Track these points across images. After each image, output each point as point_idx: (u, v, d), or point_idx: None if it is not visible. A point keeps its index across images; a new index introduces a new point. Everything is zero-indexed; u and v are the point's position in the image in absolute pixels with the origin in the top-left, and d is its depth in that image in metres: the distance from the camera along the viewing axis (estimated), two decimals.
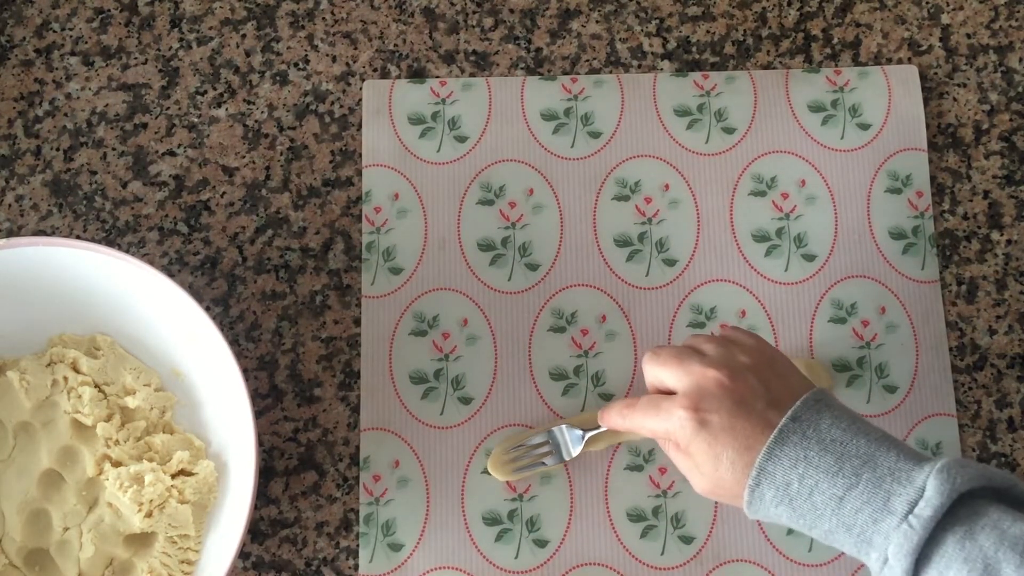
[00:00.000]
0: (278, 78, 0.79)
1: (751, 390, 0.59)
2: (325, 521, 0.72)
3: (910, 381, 0.73)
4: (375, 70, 0.79)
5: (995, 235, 0.76)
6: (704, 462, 0.59)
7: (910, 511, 0.53)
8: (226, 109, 0.78)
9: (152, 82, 0.79)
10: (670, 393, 0.61)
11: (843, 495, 0.54)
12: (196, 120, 0.78)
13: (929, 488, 0.53)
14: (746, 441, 0.57)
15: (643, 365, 0.63)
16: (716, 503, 0.71)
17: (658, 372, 0.62)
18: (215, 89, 0.79)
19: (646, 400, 0.62)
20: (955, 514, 0.53)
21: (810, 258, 0.75)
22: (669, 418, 0.60)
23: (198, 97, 0.79)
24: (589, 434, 0.70)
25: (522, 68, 0.79)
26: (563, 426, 0.71)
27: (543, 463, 0.70)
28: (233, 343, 0.73)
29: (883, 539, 0.53)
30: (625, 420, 0.64)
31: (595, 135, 0.77)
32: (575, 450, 0.70)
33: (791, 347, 0.74)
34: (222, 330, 0.65)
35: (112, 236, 0.76)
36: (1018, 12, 0.80)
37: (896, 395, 0.73)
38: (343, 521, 0.72)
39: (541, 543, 0.70)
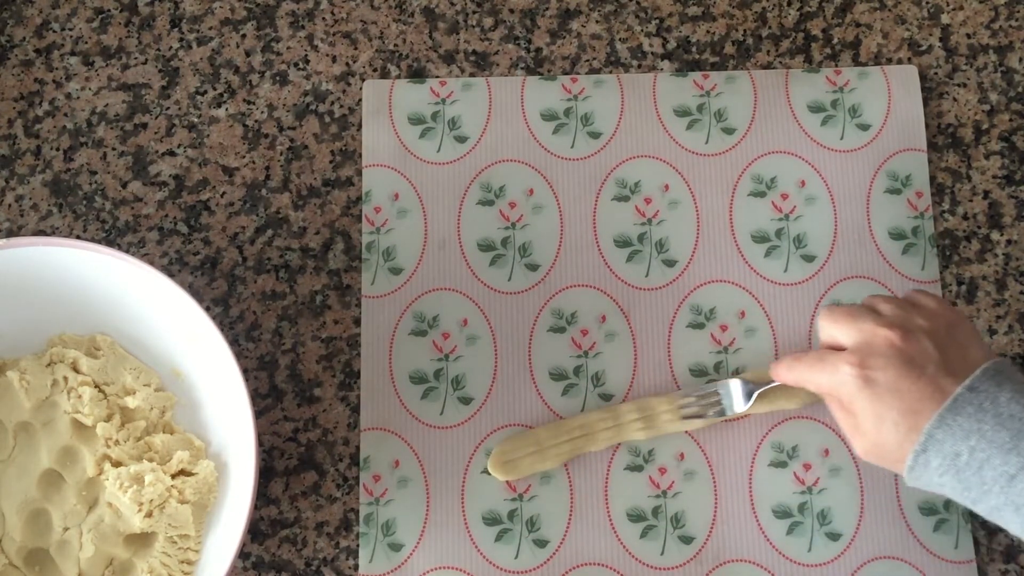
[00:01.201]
0: (278, 78, 0.79)
1: (923, 353, 0.57)
2: (325, 521, 0.72)
3: None
4: (375, 70, 0.79)
5: (995, 235, 0.76)
6: (866, 421, 0.58)
7: None
8: (226, 109, 0.79)
9: (152, 82, 0.79)
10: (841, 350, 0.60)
11: (1015, 473, 0.53)
12: (196, 120, 0.78)
13: None
14: (913, 404, 0.56)
15: (818, 322, 0.62)
16: (716, 503, 0.71)
17: (831, 329, 0.61)
18: (215, 89, 0.79)
19: (813, 353, 0.61)
20: None
21: (810, 259, 0.75)
22: (834, 372, 0.59)
23: (198, 97, 0.79)
24: (759, 390, 0.69)
25: (522, 68, 0.79)
26: (737, 380, 0.71)
27: (709, 415, 0.70)
28: (233, 343, 0.73)
29: None
30: (791, 373, 0.63)
31: (595, 135, 0.77)
32: (742, 407, 0.70)
33: (791, 347, 0.74)
34: (222, 330, 0.65)
35: (112, 236, 0.76)
36: (1018, 12, 0.80)
37: None
38: (343, 521, 0.72)
39: (541, 543, 0.70)
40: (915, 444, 0.56)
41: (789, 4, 0.80)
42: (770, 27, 0.80)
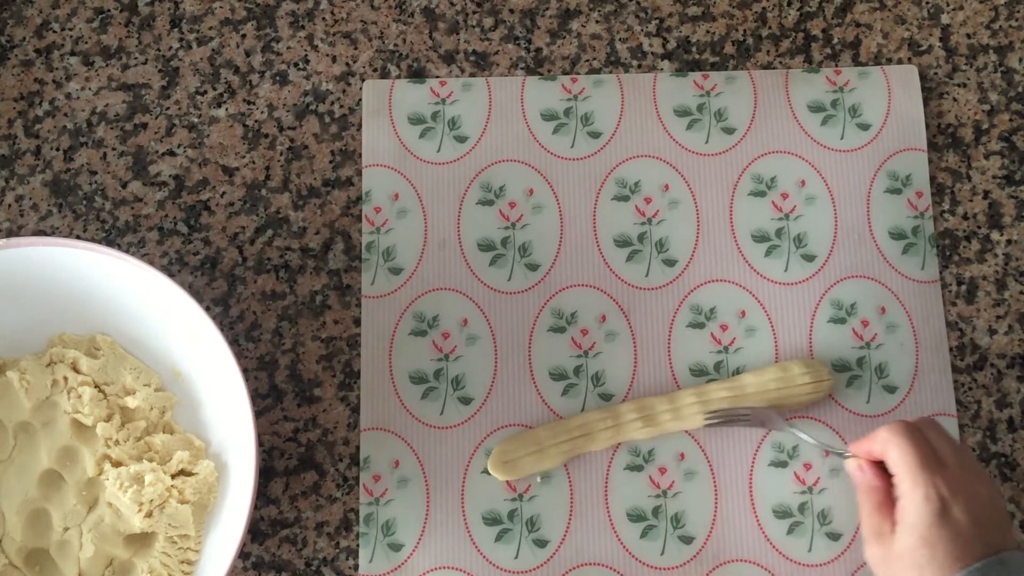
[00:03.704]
0: (278, 78, 0.79)
1: (977, 517, 0.60)
2: (325, 521, 0.72)
3: (910, 381, 0.73)
4: (375, 70, 0.79)
5: (995, 235, 0.76)
6: (910, 545, 0.59)
7: None
8: (226, 109, 0.78)
9: (152, 82, 0.79)
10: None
11: None
12: (196, 120, 0.78)
13: None
14: (964, 554, 0.58)
15: (889, 435, 0.62)
16: (716, 503, 0.71)
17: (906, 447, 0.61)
18: (215, 89, 0.79)
19: (920, 450, 0.61)
20: None
21: (810, 258, 0.75)
22: (919, 482, 0.60)
23: (198, 97, 0.79)
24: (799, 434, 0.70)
25: (522, 68, 0.79)
26: (773, 411, 0.71)
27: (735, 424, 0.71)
28: (233, 343, 0.73)
29: None
30: (886, 445, 0.62)
31: (595, 135, 0.77)
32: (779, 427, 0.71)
33: (791, 347, 0.74)
34: (222, 330, 0.65)
35: (112, 236, 0.76)
36: (1018, 12, 0.80)
37: (896, 395, 0.73)
38: (343, 521, 0.72)
39: (541, 543, 0.70)
40: None
41: (789, 4, 0.80)
42: (770, 27, 0.80)
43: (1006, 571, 0.57)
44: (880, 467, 0.63)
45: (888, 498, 0.62)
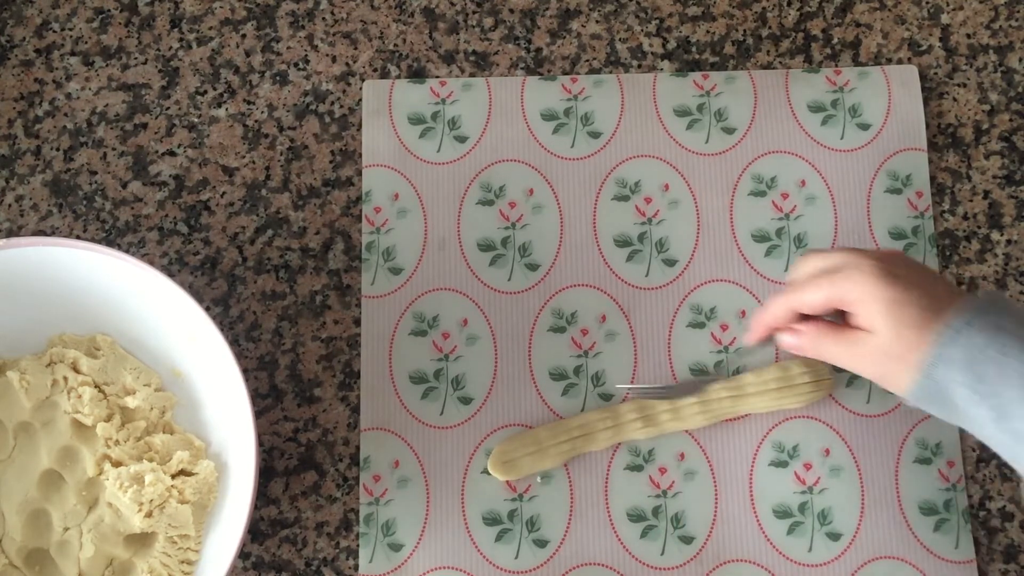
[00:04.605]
0: (278, 78, 0.79)
1: (928, 272, 0.60)
2: (325, 521, 0.72)
3: None
4: (375, 70, 0.79)
5: (995, 235, 0.76)
6: (882, 316, 0.57)
7: None
8: (226, 109, 0.78)
9: (152, 82, 0.79)
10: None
11: None
12: (196, 120, 0.78)
13: None
14: (934, 301, 0.56)
15: (797, 266, 0.63)
16: (716, 503, 0.71)
17: (818, 260, 0.61)
18: (215, 89, 0.79)
19: (822, 275, 0.61)
20: None
21: None
22: (845, 273, 0.58)
23: (198, 97, 0.79)
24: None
25: (522, 68, 0.79)
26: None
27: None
28: (233, 343, 0.73)
29: None
30: (786, 296, 0.62)
31: (595, 135, 0.77)
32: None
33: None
34: (222, 330, 0.65)
35: (112, 236, 0.76)
36: (1018, 12, 0.80)
37: (896, 395, 0.73)
38: (343, 521, 0.72)
39: (541, 543, 0.70)
40: (939, 336, 0.55)
41: (789, 4, 0.80)
42: (770, 27, 0.80)
43: (992, 300, 0.57)
44: (804, 317, 0.63)
45: (836, 327, 0.61)
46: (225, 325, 0.75)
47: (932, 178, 0.77)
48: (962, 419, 0.57)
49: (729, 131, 0.77)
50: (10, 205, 0.77)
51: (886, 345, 0.58)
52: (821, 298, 0.60)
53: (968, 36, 0.80)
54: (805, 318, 0.63)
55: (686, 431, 0.72)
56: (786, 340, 0.64)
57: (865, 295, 0.58)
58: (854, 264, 0.59)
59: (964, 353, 0.55)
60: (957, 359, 0.55)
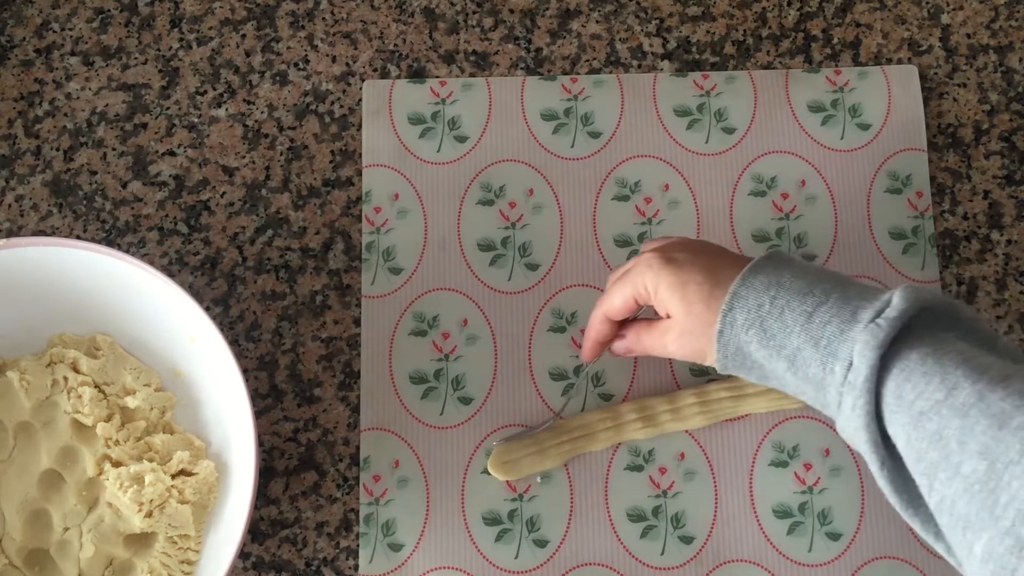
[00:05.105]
0: (278, 78, 0.79)
1: (713, 246, 0.64)
2: (325, 521, 0.72)
3: None
4: (375, 70, 0.79)
5: (995, 235, 0.76)
6: (672, 299, 0.60)
7: (876, 318, 0.54)
8: (226, 109, 0.78)
9: (152, 82, 0.79)
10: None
11: (812, 311, 0.56)
12: (196, 120, 0.78)
13: (895, 298, 0.54)
14: (714, 273, 0.60)
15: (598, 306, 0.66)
16: (716, 503, 0.71)
17: (619, 290, 0.64)
18: (215, 89, 0.79)
19: (614, 280, 0.65)
20: (920, 335, 0.53)
21: (810, 258, 0.75)
22: (635, 269, 0.62)
23: (198, 97, 0.79)
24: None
25: (522, 68, 0.79)
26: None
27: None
28: (233, 343, 0.73)
29: (848, 346, 0.54)
30: (598, 308, 0.66)
31: (595, 135, 0.77)
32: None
33: None
34: (222, 330, 0.65)
35: (112, 236, 0.76)
36: (1018, 12, 0.80)
37: None
38: (343, 521, 0.72)
39: (541, 543, 0.70)
40: (722, 304, 0.58)
41: (789, 4, 0.80)
42: (770, 27, 0.80)
43: (770, 258, 0.60)
44: (614, 323, 0.66)
45: (650, 322, 0.64)
46: (225, 325, 0.75)
47: (932, 178, 0.77)
48: (769, 377, 0.59)
49: (729, 131, 0.77)
50: (10, 205, 0.77)
51: (684, 325, 0.61)
52: (622, 299, 0.64)
53: (968, 36, 0.80)
54: (627, 325, 0.67)
55: (686, 431, 0.72)
56: (615, 346, 0.68)
57: (653, 285, 0.62)
58: (640, 260, 0.63)
59: (745, 314, 0.58)
60: (740, 321, 0.58)
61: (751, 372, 0.60)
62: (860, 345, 0.53)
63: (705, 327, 0.60)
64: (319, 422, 0.73)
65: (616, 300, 0.64)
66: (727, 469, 0.71)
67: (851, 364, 0.54)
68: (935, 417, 0.50)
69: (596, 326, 0.67)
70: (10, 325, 0.70)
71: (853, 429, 0.54)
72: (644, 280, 0.62)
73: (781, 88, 0.78)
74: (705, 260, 0.61)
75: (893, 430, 0.53)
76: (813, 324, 0.56)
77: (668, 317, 0.62)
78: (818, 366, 0.56)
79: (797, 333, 0.56)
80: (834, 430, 0.72)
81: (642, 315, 0.67)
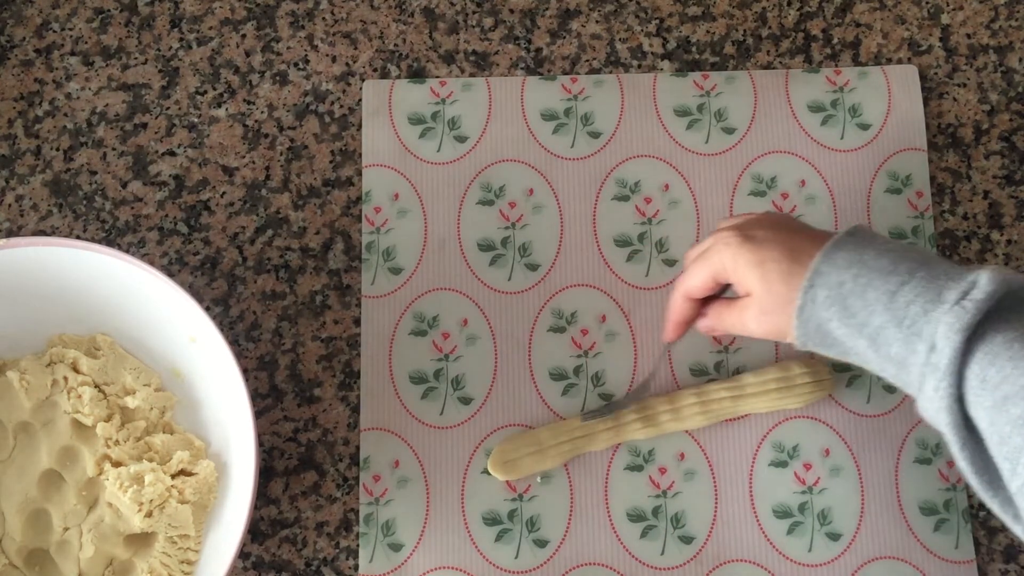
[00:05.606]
0: (278, 78, 0.79)
1: (787, 218, 0.63)
2: (325, 521, 0.72)
3: None
4: (375, 70, 0.79)
5: (995, 235, 0.76)
6: (751, 277, 0.60)
7: (962, 299, 0.53)
8: (226, 109, 0.79)
9: (152, 82, 0.79)
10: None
11: (896, 290, 0.55)
12: (196, 120, 0.78)
13: (982, 279, 0.53)
14: (794, 248, 0.59)
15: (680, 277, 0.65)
16: (716, 503, 0.71)
17: (697, 270, 0.63)
18: (215, 89, 0.79)
19: (693, 257, 0.65)
20: (1006, 318, 0.53)
21: None
22: (713, 248, 0.62)
23: (198, 97, 0.79)
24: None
25: (522, 68, 0.79)
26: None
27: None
28: (233, 343, 0.73)
29: (932, 327, 0.53)
30: (682, 284, 0.65)
31: (595, 135, 0.77)
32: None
33: (791, 347, 0.73)
34: (222, 330, 0.65)
35: (112, 236, 0.76)
36: (1018, 12, 0.80)
37: (896, 394, 0.73)
38: (343, 521, 0.72)
39: (541, 543, 0.70)
40: (803, 281, 0.58)
41: (789, 4, 0.80)
42: (770, 27, 0.80)
43: (852, 234, 0.59)
44: (695, 302, 0.66)
45: (731, 301, 0.64)
46: (225, 325, 0.75)
47: (932, 178, 0.77)
48: (849, 354, 0.59)
49: (729, 131, 0.77)
50: (10, 205, 0.77)
51: (764, 303, 0.60)
52: (701, 279, 0.63)
53: (968, 36, 0.80)
54: (708, 303, 0.66)
55: (686, 431, 0.72)
56: (699, 325, 0.67)
57: (732, 263, 0.61)
58: (718, 239, 0.62)
59: (827, 291, 0.57)
60: (821, 298, 0.57)
61: (831, 349, 0.59)
62: (944, 327, 0.53)
63: (784, 305, 0.59)
64: (319, 422, 0.73)
65: (695, 280, 0.64)
66: (727, 469, 0.71)
67: (934, 345, 0.53)
68: (1020, 402, 0.50)
69: (677, 306, 0.66)
70: (10, 325, 0.70)
71: (935, 410, 0.54)
72: (722, 259, 0.61)
73: (781, 88, 0.78)
74: (784, 237, 0.60)
75: (975, 412, 0.52)
76: (896, 303, 0.55)
77: (747, 295, 0.62)
78: (901, 346, 0.55)
79: (880, 312, 0.55)
80: (835, 430, 0.72)
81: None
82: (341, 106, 0.78)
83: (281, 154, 0.78)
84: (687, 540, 0.70)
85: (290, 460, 0.73)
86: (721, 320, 0.64)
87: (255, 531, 0.71)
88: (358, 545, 0.71)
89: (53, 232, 0.76)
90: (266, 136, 0.78)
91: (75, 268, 0.68)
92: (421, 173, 0.77)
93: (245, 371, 0.68)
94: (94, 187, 0.77)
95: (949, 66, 0.79)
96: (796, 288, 0.58)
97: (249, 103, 0.79)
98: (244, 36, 0.80)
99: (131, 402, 0.69)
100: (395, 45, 0.80)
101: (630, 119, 0.78)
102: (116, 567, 0.68)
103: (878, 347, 0.56)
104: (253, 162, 0.78)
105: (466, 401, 0.73)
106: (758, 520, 0.71)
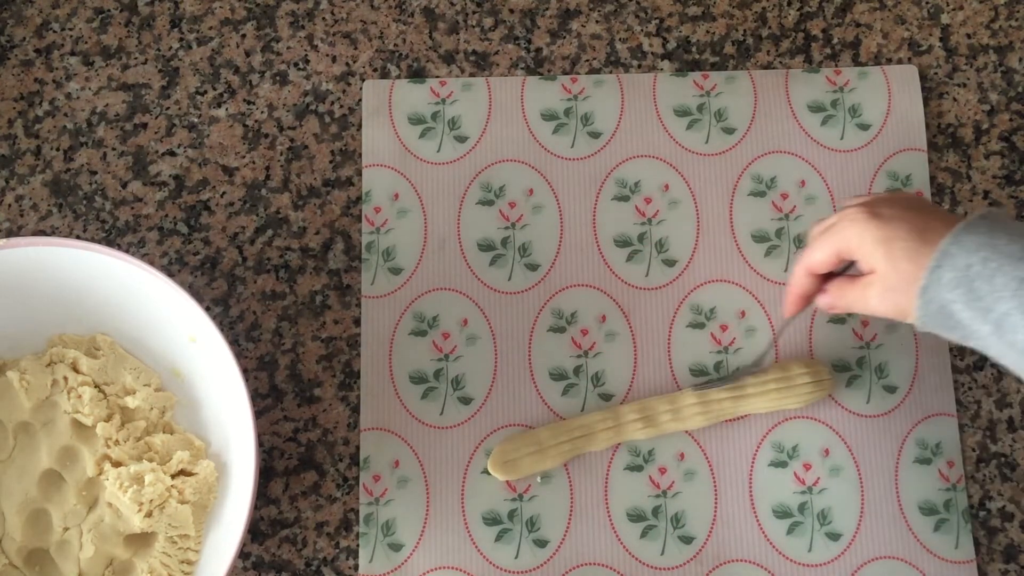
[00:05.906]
0: (278, 78, 0.79)
1: (923, 202, 0.62)
2: (325, 521, 0.72)
3: (910, 381, 0.73)
4: (375, 70, 0.79)
5: None
6: (876, 254, 0.59)
7: None
8: (226, 109, 0.79)
9: (152, 82, 0.79)
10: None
11: None
12: (196, 120, 0.78)
13: None
14: (922, 228, 0.58)
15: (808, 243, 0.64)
16: (716, 503, 0.71)
17: (822, 244, 0.63)
18: (215, 89, 0.79)
19: (818, 233, 0.64)
20: None
21: None
22: (839, 224, 0.61)
23: (198, 97, 0.79)
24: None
25: (522, 68, 0.79)
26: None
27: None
28: (233, 343, 0.73)
29: None
30: (801, 261, 0.64)
31: (595, 135, 0.77)
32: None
33: (791, 348, 0.74)
34: (222, 330, 0.65)
35: (112, 236, 0.76)
36: (1018, 12, 0.80)
37: (896, 395, 0.73)
38: (343, 521, 0.72)
39: (541, 543, 0.70)
40: (930, 261, 0.57)
41: (789, 4, 0.80)
42: (770, 27, 0.80)
43: (985, 217, 0.58)
44: (816, 277, 0.65)
45: (853, 278, 0.63)
46: (225, 325, 0.75)
47: (932, 178, 0.77)
48: (971, 338, 0.58)
49: (729, 131, 0.77)
50: (10, 205, 0.77)
51: (889, 281, 0.60)
52: (826, 254, 0.63)
53: (968, 36, 0.80)
54: (829, 279, 0.65)
55: (686, 431, 0.72)
56: (819, 300, 0.66)
57: (858, 240, 0.61)
58: (845, 215, 0.62)
59: (954, 273, 0.57)
60: (947, 280, 0.57)
61: (952, 332, 0.59)
62: None
63: (909, 284, 0.59)
64: (319, 422, 0.73)
65: (819, 254, 0.63)
66: (727, 469, 0.71)
67: None
68: None
69: (798, 279, 0.66)
70: (10, 325, 0.70)
71: None
72: (848, 235, 0.61)
73: (781, 88, 0.78)
74: (913, 216, 0.60)
75: None
76: None
77: (872, 273, 0.61)
78: None
79: (1008, 298, 0.54)
80: (835, 430, 0.72)
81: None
82: (341, 106, 0.78)
83: (281, 154, 0.78)
84: (687, 540, 0.70)
85: (290, 460, 0.73)
86: (843, 296, 0.64)
87: (255, 531, 0.71)
88: (358, 545, 0.71)
89: (53, 232, 0.76)
90: (266, 136, 0.78)
91: (75, 268, 0.68)
92: (421, 173, 0.77)
93: (245, 371, 0.68)
94: (94, 187, 0.77)
95: (949, 66, 0.79)
96: (922, 267, 0.58)
97: (249, 103, 0.79)
98: (244, 36, 0.80)
99: (131, 402, 0.70)
100: (395, 45, 0.80)
101: (630, 119, 0.78)
102: (116, 567, 0.68)
103: (1002, 333, 0.55)
104: (253, 162, 0.78)
105: (466, 401, 0.73)
106: (758, 520, 0.71)
